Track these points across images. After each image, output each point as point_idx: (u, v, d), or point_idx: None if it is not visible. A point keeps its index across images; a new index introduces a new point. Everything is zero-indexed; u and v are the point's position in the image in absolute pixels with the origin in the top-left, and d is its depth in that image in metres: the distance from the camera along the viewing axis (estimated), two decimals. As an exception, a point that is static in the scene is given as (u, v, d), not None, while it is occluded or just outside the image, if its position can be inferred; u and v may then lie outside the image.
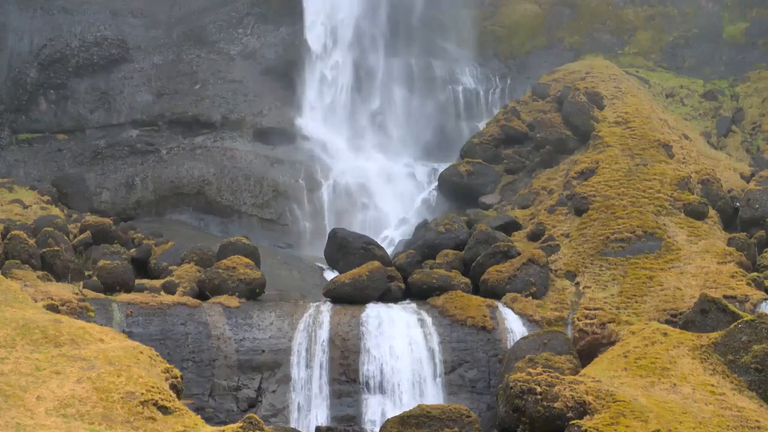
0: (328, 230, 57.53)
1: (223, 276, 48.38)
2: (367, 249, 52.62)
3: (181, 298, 47.26)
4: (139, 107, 69.96)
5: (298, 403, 45.32)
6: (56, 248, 48.76)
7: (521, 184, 62.79)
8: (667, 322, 46.24)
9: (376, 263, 50.08)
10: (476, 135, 67.49)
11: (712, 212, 55.31)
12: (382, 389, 45.48)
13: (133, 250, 52.89)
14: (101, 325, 40.54)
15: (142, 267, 51.72)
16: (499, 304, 48.71)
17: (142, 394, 32.75)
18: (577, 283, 50.81)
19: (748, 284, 48.87)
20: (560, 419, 37.15)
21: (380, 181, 69.73)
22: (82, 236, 52.71)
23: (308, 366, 45.83)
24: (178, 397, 35.56)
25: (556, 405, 37.31)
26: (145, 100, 70.11)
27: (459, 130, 73.80)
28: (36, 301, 42.36)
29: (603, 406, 37.20)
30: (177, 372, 37.02)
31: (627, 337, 44.44)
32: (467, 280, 50.64)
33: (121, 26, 71.19)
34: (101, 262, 48.50)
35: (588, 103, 63.97)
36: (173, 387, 35.78)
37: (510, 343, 46.46)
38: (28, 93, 69.12)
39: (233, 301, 47.45)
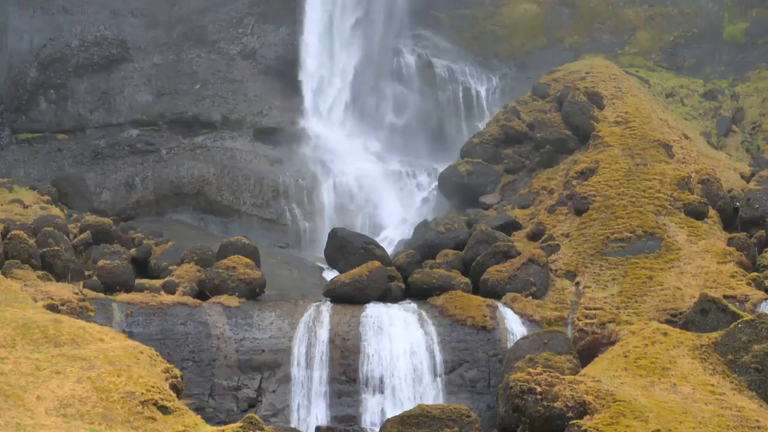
0: (328, 230, 57.48)
1: (223, 276, 48.35)
2: (367, 249, 52.55)
3: (181, 298, 47.24)
4: (139, 107, 69.96)
5: (298, 403, 45.31)
6: (56, 248, 48.72)
7: (521, 184, 62.74)
8: (667, 322, 46.21)
9: (376, 263, 50.02)
10: (476, 135, 67.43)
11: (712, 212, 55.25)
12: (381, 389, 45.45)
13: (133, 250, 52.88)
14: (101, 325, 40.50)
15: (142, 267, 51.71)
16: (499, 304, 48.68)
17: (142, 393, 32.74)
18: (577, 283, 50.78)
19: (748, 284, 48.83)
20: (560, 419, 37.13)
21: (380, 181, 69.74)
22: (82, 236, 52.68)
23: (308, 366, 45.80)
24: (178, 397, 35.54)
25: (556, 405, 37.29)
26: (145, 100, 70.12)
27: (459, 130, 73.85)
28: (36, 301, 42.34)
29: (603, 406, 37.18)
30: (177, 372, 36.99)
31: (627, 336, 44.42)
32: (467, 279, 50.62)
33: (121, 26, 71.21)
34: (101, 262, 48.46)
35: (588, 103, 63.91)
36: (173, 387, 35.76)
37: (510, 343, 46.43)
38: (28, 93, 69.13)
39: (233, 301, 47.42)
